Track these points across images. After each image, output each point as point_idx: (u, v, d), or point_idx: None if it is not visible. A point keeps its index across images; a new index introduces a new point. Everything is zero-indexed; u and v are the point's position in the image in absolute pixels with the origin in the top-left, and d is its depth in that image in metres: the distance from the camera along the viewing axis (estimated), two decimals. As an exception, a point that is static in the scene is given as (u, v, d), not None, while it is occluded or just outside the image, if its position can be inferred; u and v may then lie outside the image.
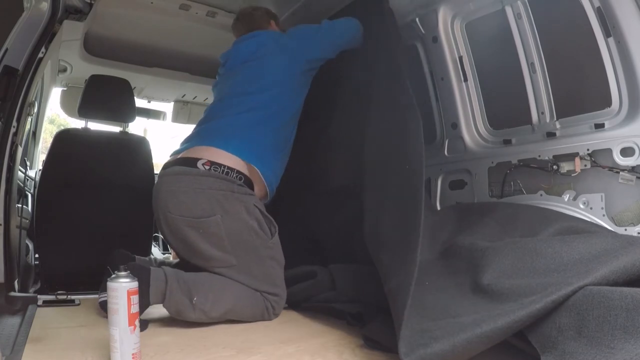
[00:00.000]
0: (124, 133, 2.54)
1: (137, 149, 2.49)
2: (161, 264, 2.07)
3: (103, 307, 1.51)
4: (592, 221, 1.57)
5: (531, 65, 1.81)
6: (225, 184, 1.62)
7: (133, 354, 1.12)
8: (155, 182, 1.72)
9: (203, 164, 1.62)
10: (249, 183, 1.70)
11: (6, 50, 1.58)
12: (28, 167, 2.73)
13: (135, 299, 1.14)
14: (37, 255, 2.35)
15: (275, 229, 1.72)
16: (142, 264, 1.64)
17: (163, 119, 3.52)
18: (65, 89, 3.10)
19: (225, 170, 1.63)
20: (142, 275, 1.40)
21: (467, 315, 1.11)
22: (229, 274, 1.62)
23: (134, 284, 1.15)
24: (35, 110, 2.62)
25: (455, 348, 0.99)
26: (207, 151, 1.66)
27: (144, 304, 1.42)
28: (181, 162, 1.67)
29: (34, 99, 2.00)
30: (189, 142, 1.77)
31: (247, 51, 1.91)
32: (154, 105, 3.43)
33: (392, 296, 1.20)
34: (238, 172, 1.66)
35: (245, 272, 1.63)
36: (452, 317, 1.12)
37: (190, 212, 1.58)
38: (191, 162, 1.64)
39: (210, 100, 3.31)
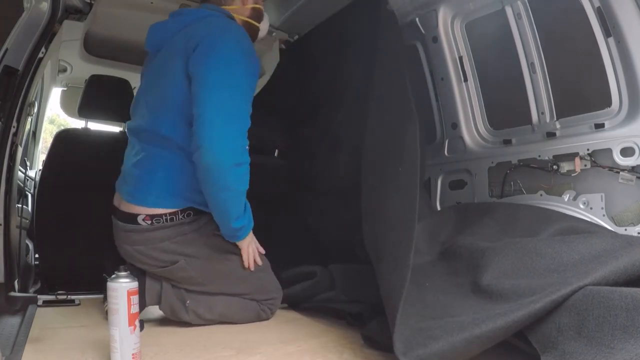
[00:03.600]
0: (124, 133, 2.53)
1: (137, 149, 2.49)
2: None
3: None
4: (592, 221, 1.57)
5: (531, 65, 1.81)
6: (175, 230, 1.50)
7: (133, 354, 1.12)
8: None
9: (143, 220, 1.48)
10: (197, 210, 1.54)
11: (6, 50, 1.58)
12: (28, 167, 2.73)
13: (135, 299, 1.14)
14: (37, 255, 2.34)
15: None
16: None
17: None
18: (65, 89, 3.10)
19: (168, 217, 1.49)
20: (137, 278, 1.40)
21: (466, 315, 1.11)
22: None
23: (134, 284, 1.15)
24: (35, 110, 2.62)
25: (454, 348, 0.99)
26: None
27: (139, 305, 1.42)
28: (122, 217, 1.53)
29: (34, 99, 1.99)
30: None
31: None
32: (154, 105, 3.42)
33: (385, 298, 1.20)
34: (182, 210, 1.51)
35: (233, 293, 1.61)
36: (451, 317, 1.12)
37: (155, 263, 1.52)
38: (132, 218, 1.50)
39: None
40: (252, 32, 1.64)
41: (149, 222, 1.48)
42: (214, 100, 1.36)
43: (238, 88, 1.41)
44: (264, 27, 1.71)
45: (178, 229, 1.50)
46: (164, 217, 1.48)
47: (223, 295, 1.60)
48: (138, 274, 1.45)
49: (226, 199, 1.43)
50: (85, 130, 2.40)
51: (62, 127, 3.28)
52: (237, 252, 1.59)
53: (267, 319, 1.65)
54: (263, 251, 1.65)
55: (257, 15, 1.66)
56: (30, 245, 2.47)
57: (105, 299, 1.46)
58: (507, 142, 1.94)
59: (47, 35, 1.74)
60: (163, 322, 1.58)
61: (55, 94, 3.14)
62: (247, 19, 1.61)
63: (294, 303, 1.82)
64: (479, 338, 1.00)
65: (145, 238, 1.49)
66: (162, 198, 1.48)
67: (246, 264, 1.59)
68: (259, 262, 1.62)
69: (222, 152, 1.35)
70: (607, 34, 1.55)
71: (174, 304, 1.53)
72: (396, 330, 1.05)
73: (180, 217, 1.50)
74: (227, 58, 1.40)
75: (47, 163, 2.29)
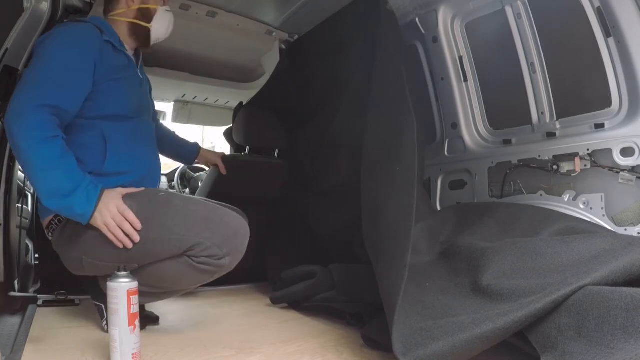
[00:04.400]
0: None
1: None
2: None
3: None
4: (592, 221, 1.57)
5: (531, 65, 1.81)
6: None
7: (133, 354, 1.12)
8: None
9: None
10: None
11: (6, 50, 1.58)
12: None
13: (135, 299, 1.14)
14: (37, 255, 2.34)
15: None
16: None
17: (163, 119, 3.52)
18: (65, 89, 3.10)
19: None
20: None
21: (466, 315, 1.11)
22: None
23: (133, 284, 1.15)
24: (35, 110, 2.62)
25: (454, 348, 0.99)
26: None
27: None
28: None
29: (34, 99, 1.99)
30: None
31: None
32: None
33: (384, 298, 1.20)
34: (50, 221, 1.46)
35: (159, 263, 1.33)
36: (451, 317, 1.12)
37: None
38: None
39: (211, 100, 3.33)
40: (141, 33, 1.57)
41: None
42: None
43: (43, 65, 1.32)
44: (158, 26, 1.61)
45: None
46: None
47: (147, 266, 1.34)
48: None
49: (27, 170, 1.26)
50: (85, 130, 2.40)
51: (62, 127, 3.27)
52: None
53: (209, 274, 1.34)
54: (135, 220, 1.29)
55: (144, 15, 1.58)
56: (30, 245, 2.47)
57: (103, 319, 1.42)
58: (507, 142, 1.94)
59: (47, 35, 1.74)
60: (163, 321, 1.58)
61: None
62: (131, 20, 1.56)
63: (294, 303, 1.82)
64: (479, 338, 1.00)
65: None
66: None
67: (118, 244, 1.28)
68: (136, 237, 1.28)
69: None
70: (607, 34, 1.55)
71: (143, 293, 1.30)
72: (395, 331, 1.05)
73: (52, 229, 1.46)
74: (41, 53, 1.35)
75: (47, 163, 2.28)
